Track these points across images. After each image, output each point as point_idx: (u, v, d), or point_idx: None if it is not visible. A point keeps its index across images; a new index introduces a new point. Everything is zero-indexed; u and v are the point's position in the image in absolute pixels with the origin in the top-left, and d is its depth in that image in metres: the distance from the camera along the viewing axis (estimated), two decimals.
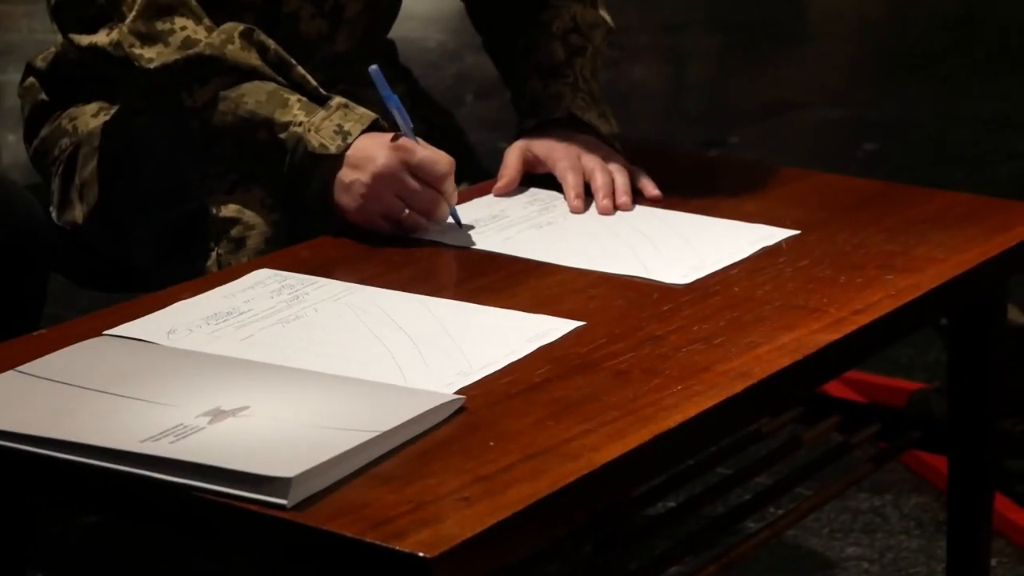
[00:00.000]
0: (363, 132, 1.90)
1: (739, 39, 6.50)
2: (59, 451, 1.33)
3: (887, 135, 5.06)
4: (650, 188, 2.04)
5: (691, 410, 1.44)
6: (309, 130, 1.89)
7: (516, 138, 2.11)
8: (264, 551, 1.27)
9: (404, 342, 1.58)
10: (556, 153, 2.05)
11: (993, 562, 2.37)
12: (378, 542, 1.21)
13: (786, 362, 1.55)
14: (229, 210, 1.94)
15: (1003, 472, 2.65)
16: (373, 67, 1.87)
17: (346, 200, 1.89)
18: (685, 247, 1.85)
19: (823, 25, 7.05)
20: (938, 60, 6.06)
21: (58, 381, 1.45)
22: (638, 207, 1.99)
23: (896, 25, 6.89)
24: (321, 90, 1.95)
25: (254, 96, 1.92)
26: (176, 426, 1.35)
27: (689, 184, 2.08)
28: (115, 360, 1.52)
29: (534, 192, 2.03)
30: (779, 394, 1.59)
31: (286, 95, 1.93)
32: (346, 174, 1.89)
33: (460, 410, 1.42)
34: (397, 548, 1.20)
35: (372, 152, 1.88)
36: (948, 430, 2.08)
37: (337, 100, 1.93)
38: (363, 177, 1.87)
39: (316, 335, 1.60)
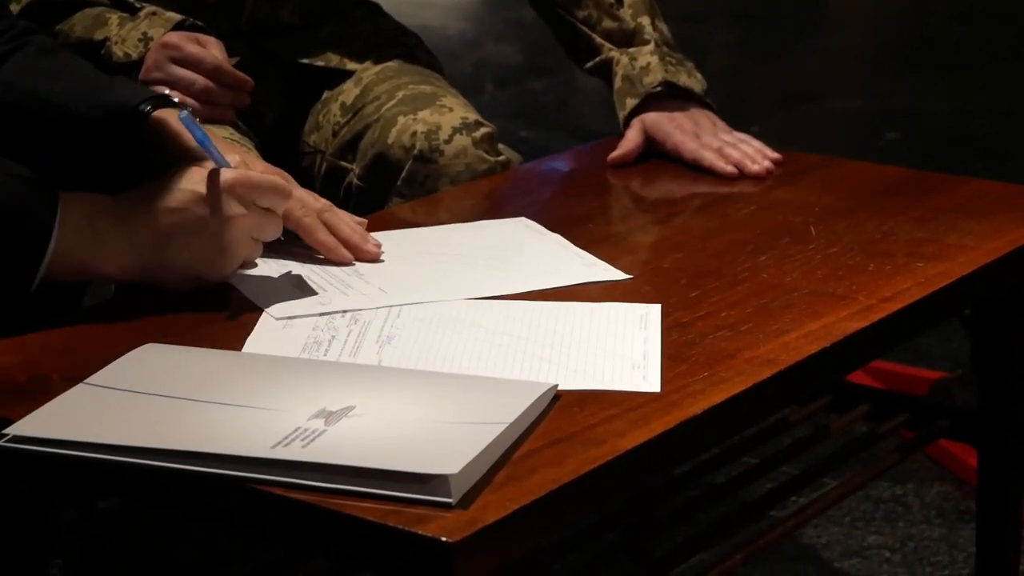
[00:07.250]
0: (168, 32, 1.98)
1: (760, 30, 6.49)
2: (169, 461, 1.26)
3: (906, 126, 5.04)
4: (769, 152, 2.08)
5: (717, 396, 1.42)
6: (116, 43, 1.99)
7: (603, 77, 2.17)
8: (286, 535, 1.25)
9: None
10: (675, 137, 2.08)
11: None
12: (400, 526, 1.19)
13: (813, 349, 1.53)
14: None
15: None
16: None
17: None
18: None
19: (843, 16, 7.03)
20: (957, 51, 6.05)
21: (134, 391, 1.36)
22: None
23: (915, 16, 6.87)
24: (136, 3, 2.02)
25: (82, 23, 2.03)
26: (295, 430, 1.28)
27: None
28: (181, 367, 1.42)
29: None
30: (806, 381, 1.57)
31: (108, 15, 2.02)
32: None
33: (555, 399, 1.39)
34: (419, 532, 1.18)
35: None
36: (977, 420, 2.06)
37: (146, 10, 2.00)
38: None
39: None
